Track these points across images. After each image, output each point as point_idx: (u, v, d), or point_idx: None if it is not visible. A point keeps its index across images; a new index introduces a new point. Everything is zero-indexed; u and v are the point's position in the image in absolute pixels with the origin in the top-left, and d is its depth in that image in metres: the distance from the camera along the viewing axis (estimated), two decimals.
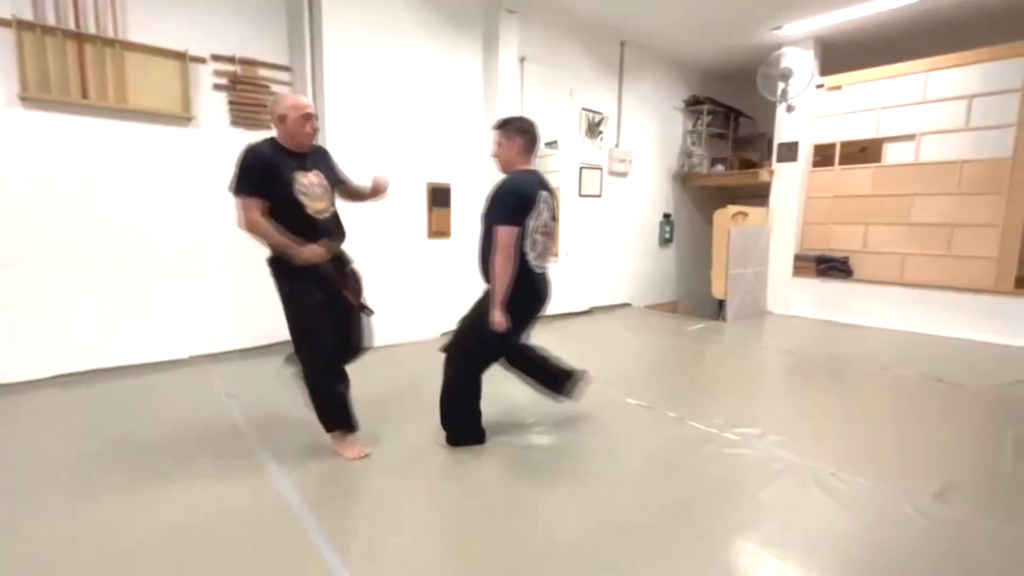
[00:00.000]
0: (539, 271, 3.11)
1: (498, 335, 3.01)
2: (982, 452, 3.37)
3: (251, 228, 2.81)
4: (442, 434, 3.33)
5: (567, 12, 6.80)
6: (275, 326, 5.21)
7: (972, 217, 6.51)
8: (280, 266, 2.90)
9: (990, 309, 6.29)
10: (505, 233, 2.94)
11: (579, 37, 7.23)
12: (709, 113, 8.81)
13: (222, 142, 4.95)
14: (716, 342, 6.14)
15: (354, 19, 5.20)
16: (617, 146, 7.91)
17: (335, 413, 3.12)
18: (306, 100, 2.91)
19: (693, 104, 8.85)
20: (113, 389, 4.16)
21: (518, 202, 2.97)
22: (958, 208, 6.62)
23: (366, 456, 3.11)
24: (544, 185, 3.10)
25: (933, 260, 6.83)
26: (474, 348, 3.15)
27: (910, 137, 6.92)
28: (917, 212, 6.96)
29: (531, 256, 3.05)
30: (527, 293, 3.05)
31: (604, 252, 8.03)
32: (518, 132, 3.11)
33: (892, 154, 7.10)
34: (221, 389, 4.19)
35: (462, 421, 3.29)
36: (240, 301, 5.19)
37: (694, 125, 8.96)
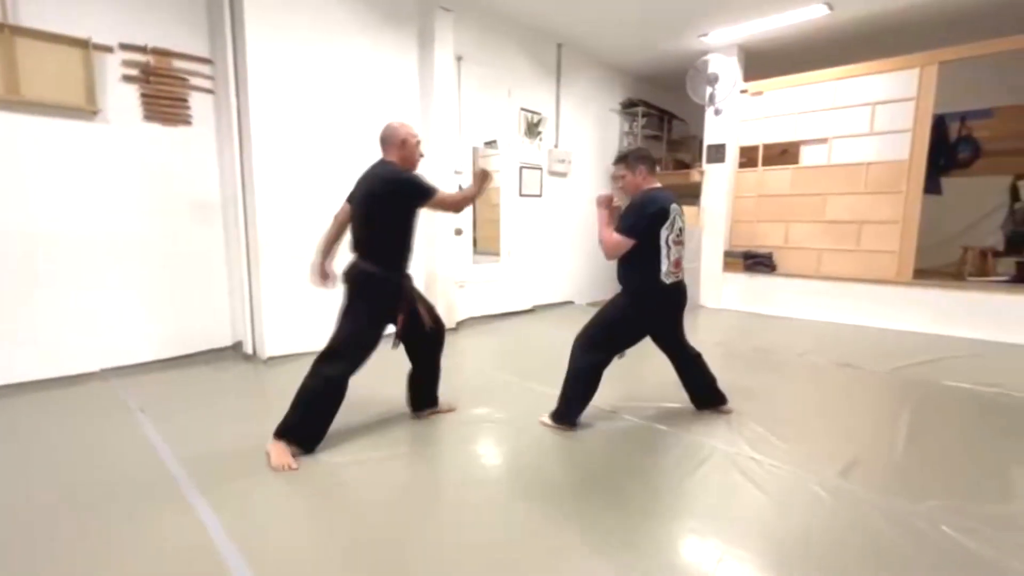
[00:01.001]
0: (673, 280, 3.49)
1: (622, 334, 3.50)
2: (881, 431, 3.84)
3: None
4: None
5: (503, 12, 6.94)
6: (193, 335, 5.15)
7: (877, 214, 7.13)
8: (373, 284, 3.20)
9: (893, 299, 6.93)
10: (616, 242, 3.41)
11: (516, 38, 7.38)
12: (644, 115, 9.22)
13: (134, 138, 4.71)
14: None
15: (280, 11, 5.02)
16: (556, 146, 8.21)
17: (313, 428, 3.16)
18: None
19: (628, 106, 9.24)
20: (14, 406, 3.94)
21: (653, 213, 3.36)
22: (865, 206, 7.24)
23: (293, 470, 3.02)
24: (675, 200, 3.48)
25: (845, 255, 7.45)
26: (600, 342, 3.51)
27: (823, 140, 7.49)
28: (831, 210, 7.55)
29: (664, 266, 3.43)
30: (663, 300, 3.50)
31: (546, 251, 8.33)
32: (639, 160, 3.52)
33: (808, 156, 7.67)
34: (134, 404, 4.00)
35: (573, 408, 3.63)
36: (155, 309, 4.97)
37: (630, 127, 9.36)
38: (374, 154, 3.51)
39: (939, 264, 7.89)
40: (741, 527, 2.71)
